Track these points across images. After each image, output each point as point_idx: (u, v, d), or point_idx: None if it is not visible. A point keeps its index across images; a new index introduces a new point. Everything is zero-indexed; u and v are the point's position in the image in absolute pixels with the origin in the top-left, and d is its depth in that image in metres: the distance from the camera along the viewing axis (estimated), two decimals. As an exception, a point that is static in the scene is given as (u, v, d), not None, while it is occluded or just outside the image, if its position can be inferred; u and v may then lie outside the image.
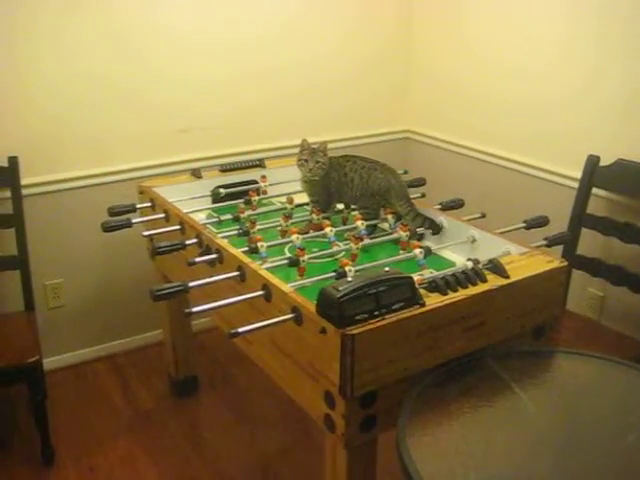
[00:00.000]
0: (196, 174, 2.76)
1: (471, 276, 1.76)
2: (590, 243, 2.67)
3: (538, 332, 1.95)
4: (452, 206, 2.43)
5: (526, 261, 1.91)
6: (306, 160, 2.34)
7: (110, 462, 2.54)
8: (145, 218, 2.46)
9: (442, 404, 1.63)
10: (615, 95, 2.63)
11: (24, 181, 2.69)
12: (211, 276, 1.94)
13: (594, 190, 2.65)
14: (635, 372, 1.75)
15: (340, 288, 1.56)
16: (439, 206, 2.40)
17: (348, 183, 2.35)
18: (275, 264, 1.97)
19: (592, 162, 2.63)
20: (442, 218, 2.31)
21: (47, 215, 2.86)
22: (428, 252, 2.09)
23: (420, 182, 2.68)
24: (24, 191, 2.69)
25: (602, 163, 2.61)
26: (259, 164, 2.87)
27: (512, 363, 1.78)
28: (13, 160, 2.64)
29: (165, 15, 2.92)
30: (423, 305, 1.65)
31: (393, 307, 1.61)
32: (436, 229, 2.27)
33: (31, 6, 2.63)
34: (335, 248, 2.16)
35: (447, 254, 2.20)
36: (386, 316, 1.59)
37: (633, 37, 2.53)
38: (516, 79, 3.04)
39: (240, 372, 3.10)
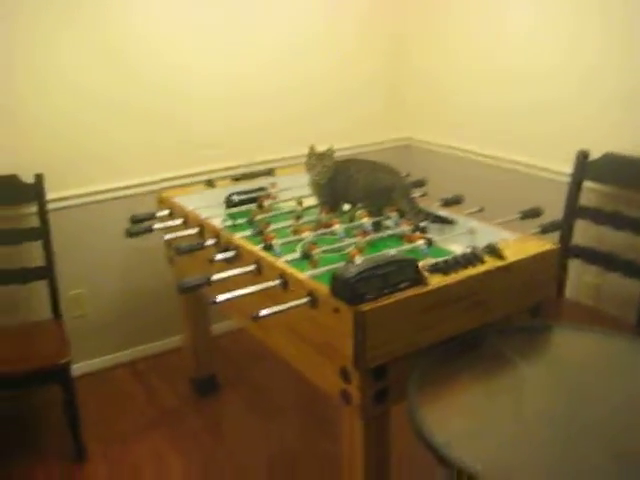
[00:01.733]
0: (210, 184, 2.93)
1: (470, 258, 1.93)
2: (584, 233, 2.83)
3: (535, 311, 2.11)
4: (452, 202, 2.60)
5: (521, 245, 2.08)
6: (314, 164, 2.51)
7: (138, 456, 2.69)
8: (165, 224, 2.62)
9: (448, 377, 1.78)
10: (603, 94, 2.80)
11: (49, 196, 2.86)
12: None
13: (585, 183, 2.81)
14: (629, 342, 1.91)
15: (351, 269, 1.73)
16: (440, 202, 2.57)
17: (354, 183, 2.51)
18: (289, 258, 2.12)
19: (582, 157, 2.80)
20: (442, 213, 2.47)
21: (70, 228, 3.03)
22: (430, 243, 2.24)
23: (421, 183, 2.85)
24: (49, 206, 2.86)
25: (591, 157, 2.78)
26: (269, 173, 3.05)
27: (513, 338, 1.93)
28: (39, 177, 2.81)
29: (179, 34, 3.12)
30: (427, 284, 1.81)
31: (399, 286, 1.77)
32: (446, 220, 2.42)
33: (46, 32, 2.83)
34: (344, 242, 2.32)
35: (448, 245, 2.35)
36: (393, 294, 1.75)
37: (624, 39, 2.70)
38: (508, 83, 3.23)
39: (257, 372, 3.25)
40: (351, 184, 2.52)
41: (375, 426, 1.87)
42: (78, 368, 3.12)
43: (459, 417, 1.62)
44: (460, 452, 1.44)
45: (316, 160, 2.50)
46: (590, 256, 2.78)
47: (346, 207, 2.64)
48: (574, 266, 2.86)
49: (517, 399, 1.69)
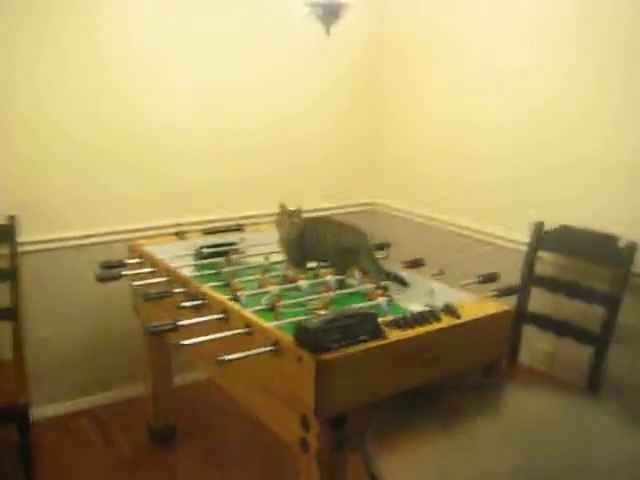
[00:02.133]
0: (181, 235, 3.01)
1: (427, 316, 2.02)
2: (539, 300, 2.95)
3: (488, 371, 2.20)
4: (413, 265, 2.70)
5: (477, 306, 2.18)
6: (283, 221, 2.61)
7: (92, 505, 2.68)
8: (135, 271, 2.68)
9: (405, 429, 1.85)
10: (558, 170, 2.98)
11: (21, 238, 2.90)
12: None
13: (541, 253, 2.95)
14: (577, 400, 2.01)
15: (315, 320, 1.81)
16: (403, 264, 2.67)
17: (321, 242, 2.60)
18: (255, 309, 2.19)
19: (538, 228, 2.95)
20: (404, 274, 2.57)
21: (40, 271, 3.07)
22: (391, 301, 2.34)
23: (385, 245, 2.96)
24: (20, 248, 2.90)
25: (547, 228, 2.93)
26: (238, 228, 3.14)
27: (468, 395, 2.02)
28: (12, 219, 2.86)
29: (156, 89, 3.25)
30: (386, 338, 1.89)
31: (360, 338, 1.85)
32: (403, 282, 2.52)
33: (27, 77, 2.93)
34: (308, 297, 2.40)
35: (408, 304, 2.44)
36: (354, 346, 1.83)
37: (576, 116, 2.89)
38: (470, 157, 3.40)
39: (217, 424, 3.26)
40: (318, 243, 2.61)
41: (332, 473, 1.91)
42: (37, 413, 3.09)
43: (414, 469, 1.69)
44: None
45: (286, 218, 2.60)
46: (544, 323, 2.90)
47: (312, 265, 2.73)
48: (529, 333, 2.97)
49: (471, 453, 1.75)
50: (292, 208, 2.62)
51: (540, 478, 1.61)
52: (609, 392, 2.69)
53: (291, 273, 2.59)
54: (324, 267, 2.62)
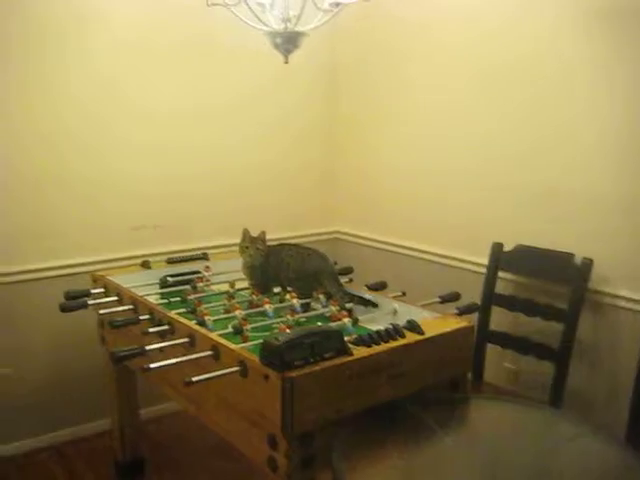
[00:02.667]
0: (145, 265, 3.02)
1: (391, 333, 2.06)
2: (500, 319, 3.01)
3: (453, 385, 2.24)
4: (376, 288, 2.75)
5: (439, 323, 2.23)
6: (247, 247, 2.64)
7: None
8: (100, 300, 2.68)
9: (372, 444, 1.88)
10: (515, 192, 3.07)
11: (-19, 272, 2.89)
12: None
13: (500, 273, 3.03)
14: (539, 412, 2.06)
15: (280, 338, 1.84)
16: (365, 288, 2.72)
17: (285, 267, 2.64)
18: (221, 332, 2.21)
19: (496, 249, 3.02)
20: (368, 295, 2.62)
21: (1, 304, 3.04)
22: (355, 321, 2.38)
23: (348, 270, 3.00)
24: (-21, 281, 2.88)
25: (505, 249, 3.01)
26: (203, 257, 3.16)
27: (433, 409, 2.06)
28: (-28, 253, 2.85)
29: (118, 120, 3.28)
30: (351, 354, 1.93)
31: (325, 355, 1.88)
32: (370, 303, 2.56)
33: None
34: (274, 320, 2.42)
35: (372, 325, 2.48)
36: (320, 363, 1.86)
37: (535, 141, 3.00)
38: (431, 183, 3.49)
39: (184, 456, 3.24)
40: (282, 267, 2.65)
41: (301, 494, 1.92)
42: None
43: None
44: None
45: (249, 243, 2.64)
46: (506, 341, 2.96)
47: (276, 290, 2.76)
48: (493, 352, 3.02)
49: (437, 467, 1.79)
50: (255, 235, 2.66)
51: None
52: (570, 406, 2.74)
53: (256, 298, 2.62)
54: (289, 292, 2.66)
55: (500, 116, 3.10)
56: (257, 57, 3.40)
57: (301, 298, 2.59)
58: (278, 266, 2.65)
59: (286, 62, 2.35)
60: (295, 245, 2.72)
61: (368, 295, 2.62)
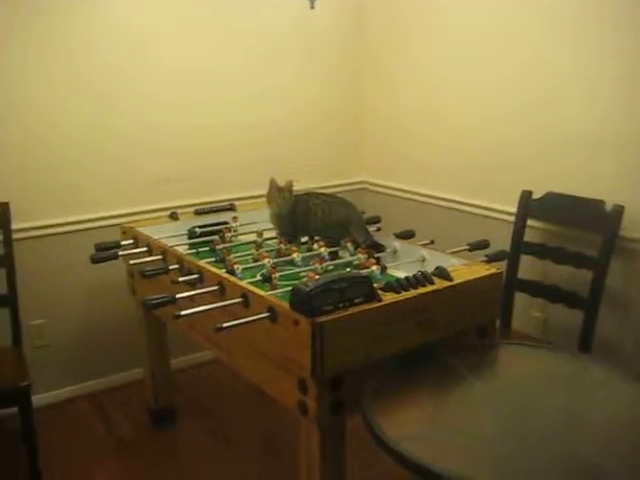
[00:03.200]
0: (173, 216, 3.04)
1: (420, 279, 2.06)
2: (529, 268, 2.99)
3: (481, 332, 2.24)
4: (404, 236, 2.74)
5: (468, 269, 2.23)
6: (275, 196, 2.65)
7: (96, 485, 2.71)
8: (130, 251, 2.71)
9: (401, 389, 1.89)
10: (545, 138, 3.02)
11: (14, 225, 2.92)
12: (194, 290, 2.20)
13: (529, 221, 3.00)
14: (570, 358, 2.06)
15: (309, 284, 1.85)
16: (394, 236, 2.71)
17: (312, 216, 2.64)
18: (250, 281, 2.23)
19: (525, 196, 2.99)
20: (396, 243, 2.62)
21: (34, 258, 3.09)
22: (384, 269, 2.38)
23: (376, 220, 3.00)
24: (15, 235, 2.92)
25: (534, 197, 2.97)
26: (230, 207, 3.17)
27: (463, 355, 2.06)
28: (4, 206, 2.88)
29: (146, 74, 3.28)
30: (380, 300, 1.93)
31: (355, 301, 1.89)
32: (381, 248, 2.57)
33: (17, 60, 2.95)
34: (302, 269, 2.43)
35: (400, 273, 2.48)
36: (349, 308, 1.87)
37: (572, 87, 2.94)
38: (459, 130, 3.44)
39: (215, 404, 3.31)
40: (310, 216, 2.65)
41: (331, 435, 1.96)
42: (38, 399, 3.10)
43: (412, 425, 1.73)
44: (417, 452, 1.53)
45: (276, 193, 2.64)
46: (535, 289, 2.94)
47: (304, 239, 2.77)
48: (521, 300, 3.01)
49: (467, 410, 1.80)
50: (282, 184, 2.66)
51: (535, 434, 1.65)
52: (599, 355, 2.73)
53: (284, 247, 2.63)
54: (317, 241, 2.66)
55: (529, 57, 3.03)
56: (281, 4, 3.36)
57: (329, 247, 2.59)
58: (306, 215, 2.65)
59: (312, 7, 2.32)
60: (323, 194, 2.72)
61: (395, 244, 2.62)
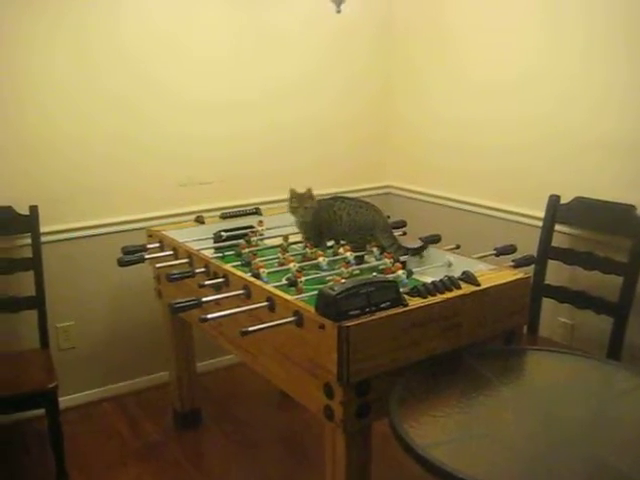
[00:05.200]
0: (199, 220, 3.05)
1: (447, 284, 2.05)
2: (556, 273, 2.96)
3: (508, 338, 2.22)
4: (430, 241, 2.72)
5: (495, 274, 2.21)
6: (296, 206, 2.64)
7: (121, 486, 2.73)
8: (156, 254, 2.72)
9: (428, 394, 1.88)
10: (574, 142, 2.98)
11: (43, 229, 2.95)
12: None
13: (557, 226, 2.96)
14: (597, 364, 2.03)
15: (336, 288, 1.84)
16: (419, 241, 2.69)
17: (337, 220, 2.64)
18: (276, 285, 2.23)
19: (553, 201, 2.96)
20: (418, 243, 2.60)
21: (61, 260, 3.12)
22: (410, 273, 2.36)
23: (401, 224, 2.99)
24: (43, 238, 2.95)
25: (562, 201, 2.94)
26: (256, 212, 3.18)
27: (489, 360, 2.04)
28: (33, 209, 2.91)
29: (170, 77, 3.29)
30: (406, 305, 1.92)
31: (381, 306, 1.88)
32: (422, 249, 2.56)
33: (47, 69, 2.98)
34: (328, 273, 2.43)
35: (426, 278, 2.46)
36: (375, 313, 1.86)
37: (600, 91, 2.90)
38: (484, 133, 3.41)
39: (239, 408, 3.31)
40: (335, 221, 2.64)
41: (357, 440, 1.95)
42: (64, 401, 3.13)
43: (440, 431, 1.71)
44: (445, 459, 1.51)
45: (297, 202, 2.64)
46: (563, 295, 2.90)
47: (330, 243, 2.76)
48: (548, 306, 2.98)
49: (494, 415, 1.78)
50: (301, 192, 2.65)
51: (562, 439, 1.63)
52: (628, 362, 2.69)
53: (310, 251, 2.63)
54: (342, 245, 2.65)
55: (555, 60, 3.00)
56: (307, 9, 3.36)
57: (355, 251, 2.58)
58: (330, 220, 2.65)
59: (338, 11, 2.31)
60: (348, 198, 2.71)
61: (419, 243, 2.61)
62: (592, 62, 2.86)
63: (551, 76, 3.03)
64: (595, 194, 2.85)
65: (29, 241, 2.92)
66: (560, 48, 2.98)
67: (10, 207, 2.90)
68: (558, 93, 3.01)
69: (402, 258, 2.52)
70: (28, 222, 2.91)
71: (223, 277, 2.34)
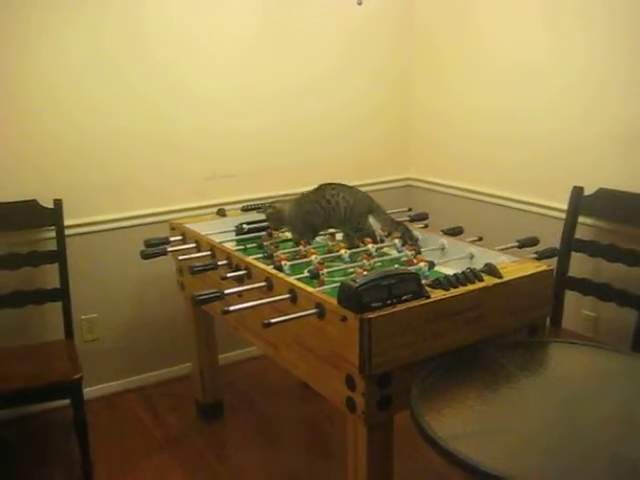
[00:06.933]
0: (221, 213, 3.07)
1: (469, 276, 2.04)
2: (579, 265, 2.93)
3: (531, 331, 2.21)
4: (452, 232, 2.72)
5: (517, 266, 2.20)
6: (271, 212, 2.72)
7: (144, 477, 2.75)
8: (179, 247, 2.74)
9: (450, 386, 1.87)
10: (597, 133, 2.95)
11: (67, 222, 2.99)
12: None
13: (580, 218, 2.94)
14: (621, 357, 2.01)
15: (357, 280, 1.84)
16: (441, 232, 2.69)
17: (334, 208, 2.60)
18: (298, 277, 2.23)
19: (577, 192, 2.93)
20: (443, 240, 2.60)
21: (85, 253, 3.16)
22: (432, 266, 2.36)
23: (423, 216, 2.98)
24: (67, 231, 2.99)
25: (585, 193, 2.91)
26: (277, 204, 3.18)
27: (511, 353, 2.03)
28: (58, 202, 2.95)
29: (193, 73, 3.31)
30: (428, 297, 1.92)
31: (403, 298, 1.88)
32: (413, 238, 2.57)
33: (71, 66, 3.01)
34: (350, 265, 2.43)
35: (448, 270, 2.46)
36: (397, 305, 1.86)
37: (623, 80, 2.87)
38: (506, 123, 3.39)
39: (261, 400, 3.33)
40: (331, 209, 2.59)
41: (379, 432, 1.95)
42: (88, 392, 3.16)
43: (461, 423, 1.71)
44: (467, 451, 1.51)
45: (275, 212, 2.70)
46: (586, 287, 2.88)
47: (331, 230, 2.76)
48: (572, 298, 2.96)
49: (516, 408, 1.77)
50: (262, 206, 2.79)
51: (583, 432, 1.62)
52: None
53: (331, 243, 2.63)
54: (362, 236, 2.63)
55: (579, 52, 2.97)
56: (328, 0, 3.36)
57: (373, 242, 2.58)
58: (325, 209, 2.60)
59: (360, 3, 2.31)
60: (330, 185, 2.65)
61: (443, 240, 2.60)
62: (620, 48, 2.82)
63: (577, 63, 3.00)
64: (619, 185, 2.82)
65: (53, 234, 2.95)
66: (586, 34, 2.94)
67: (35, 200, 2.93)
68: (583, 81, 2.98)
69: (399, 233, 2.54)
70: (53, 215, 2.94)
71: (245, 269, 2.36)
